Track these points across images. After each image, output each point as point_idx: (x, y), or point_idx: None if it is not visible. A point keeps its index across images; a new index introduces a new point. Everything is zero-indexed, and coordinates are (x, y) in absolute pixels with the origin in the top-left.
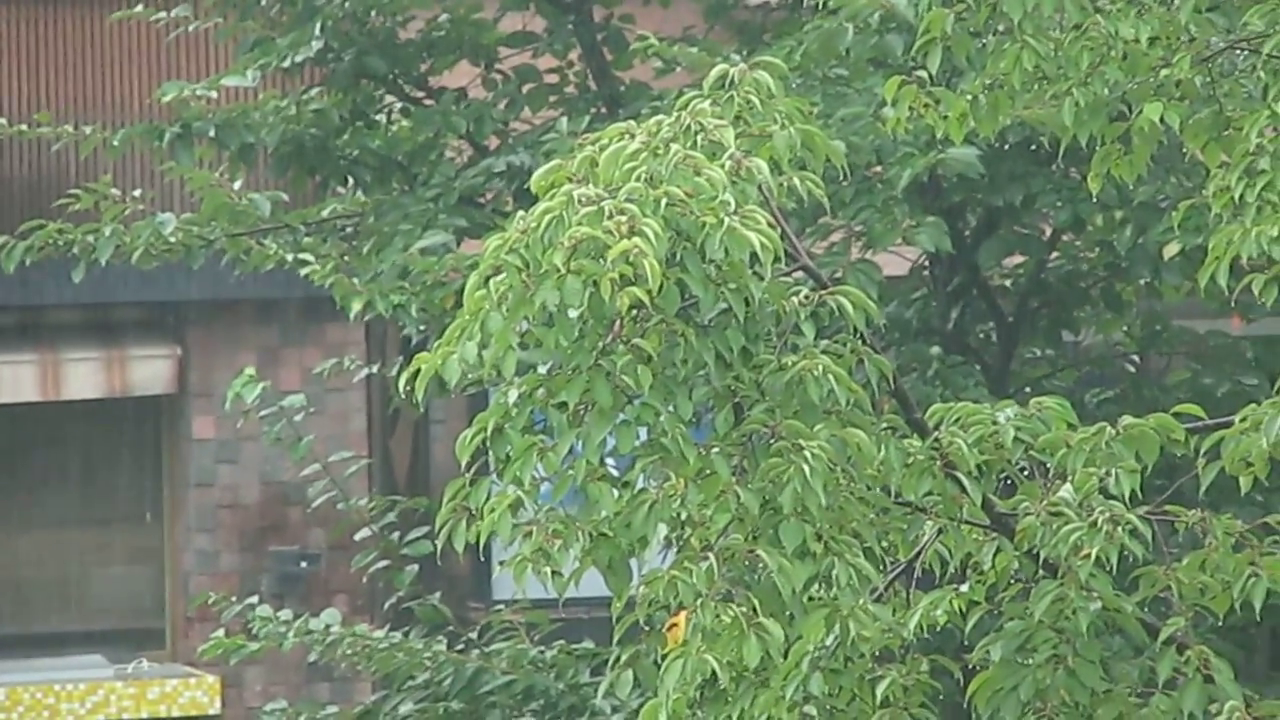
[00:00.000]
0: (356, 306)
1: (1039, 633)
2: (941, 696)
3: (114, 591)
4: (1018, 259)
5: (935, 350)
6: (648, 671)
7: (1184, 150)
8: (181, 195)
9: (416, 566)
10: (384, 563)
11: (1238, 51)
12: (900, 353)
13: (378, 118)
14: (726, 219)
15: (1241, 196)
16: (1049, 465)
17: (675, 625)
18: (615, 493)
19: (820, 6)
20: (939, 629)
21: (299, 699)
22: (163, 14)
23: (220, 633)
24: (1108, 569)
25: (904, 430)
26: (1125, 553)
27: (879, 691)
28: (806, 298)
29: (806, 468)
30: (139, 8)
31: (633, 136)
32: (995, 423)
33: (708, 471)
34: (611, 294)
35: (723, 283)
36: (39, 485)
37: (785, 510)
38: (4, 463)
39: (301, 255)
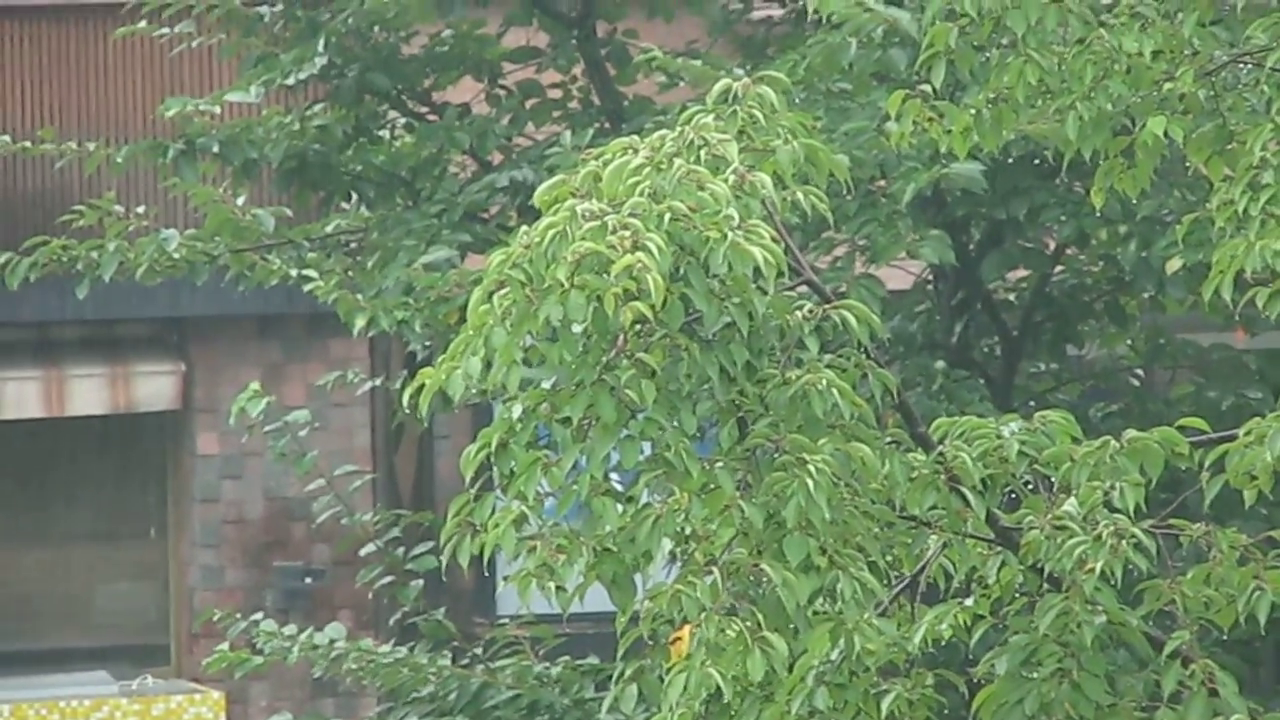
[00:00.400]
0: (360, 322)
1: (1044, 646)
2: (946, 711)
3: (119, 607)
4: (1021, 273)
5: (939, 364)
6: (652, 686)
7: (1187, 164)
8: (185, 211)
9: (421, 581)
10: (389, 578)
11: (1241, 65)
12: (904, 367)
13: (381, 133)
14: (730, 233)
15: (1245, 210)
16: (1053, 479)
17: (679, 640)
18: (619, 507)
19: (823, 21)
20: (944, 643)
21: (304, 714)
22: (166, 30)
23: (225, 647)
24: (1112, 583)
25: (908, 444)
26: (1130, 566)
27: (884, 706)
28: (810, 312)
29: (810, 482)
30: (142, 24)
31: (636, 151)
32: (999, 437)
33: (712, 486)
34: (615, 309)
35: (726, 297)
36: (44, 501)
37: (789, 524)
38: (9, 479)
39: (305, 271)
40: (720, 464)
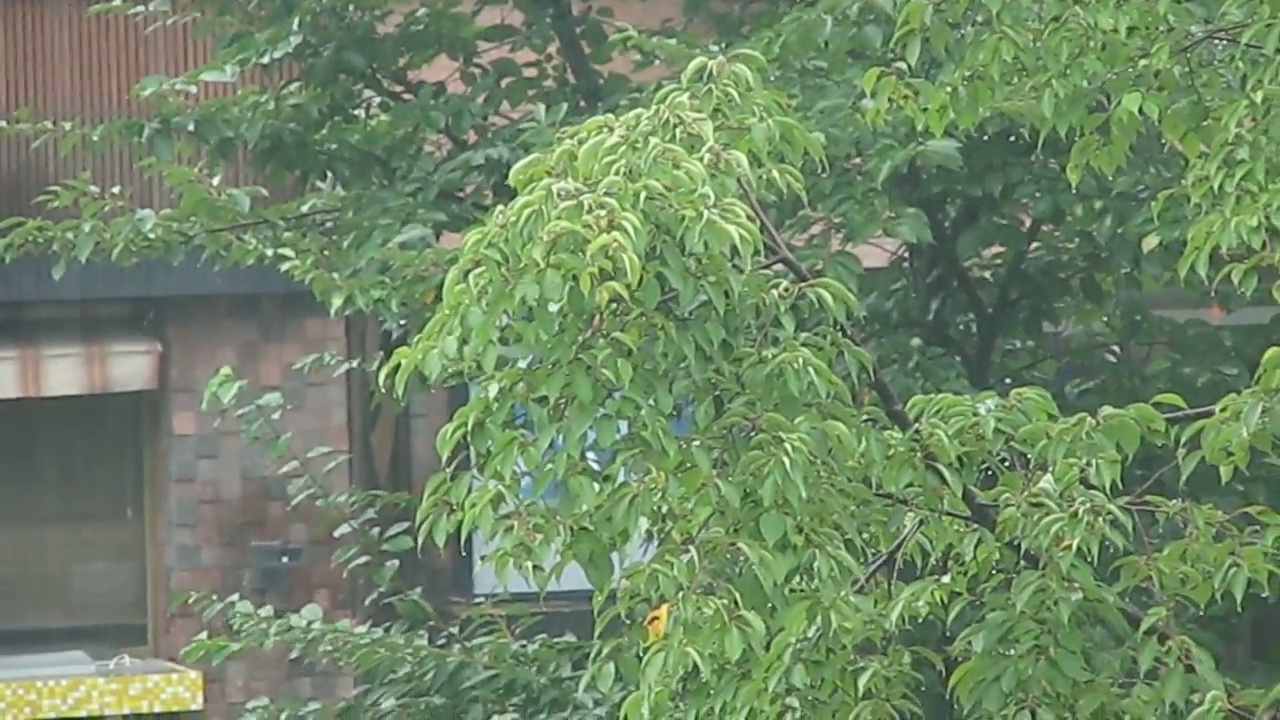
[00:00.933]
0: (337, 301)
1: (1020, 624)
2: (923, 688)
3: (95, 587)
4: (997, 250)
5: (915, 342)
6: (629, 665)
7: (1163, 141)
8: (161, 191)
9: (397, 562)
10: (365, 558)
11: (1216, 41)
12: (880, 344)
13: (356, 112)
14: (706, 212)
15: (1220, 186)
16: (1030, 456)
17: (657, 618)
18: (596, 486)
19: None
20: (921, 620)
21: (281, 695)
22: (141, 7)
23: (203, 635)
24: (1089, 559)
25: (885, 422)
26: (1106, 543)
27: (861, 683)
28: (786, 290)
29: (787, 460)
30: (116, 2)
31: (611, 130)
32: (976, 414)
33: (688, 465)
34: (591, 288)
35: (702, 276)
36: (19, 481)
37: (766, 503)
38: None
39: (281, 250)
40: (697, 443)
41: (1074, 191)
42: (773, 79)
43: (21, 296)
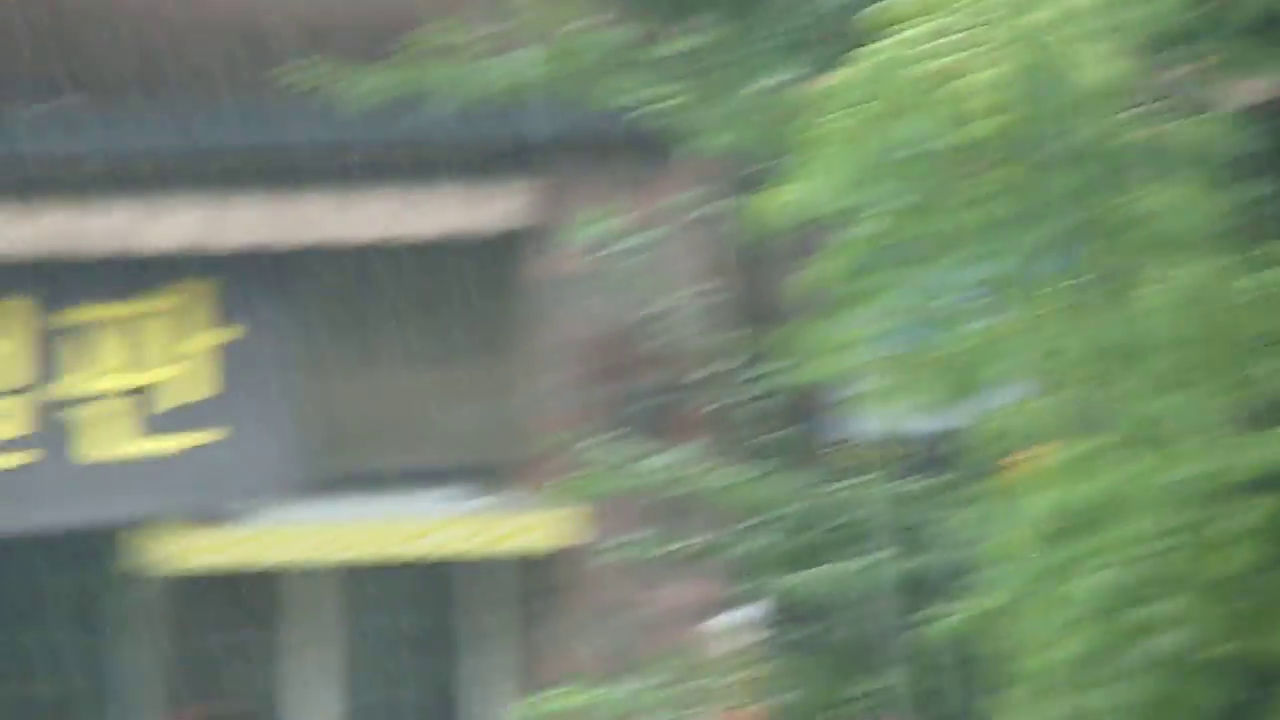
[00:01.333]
0: (707, 142)
1: None
2: None
3: (465, 428)
4: None
5: None
6: (1002, 504)
7: None
8: (532, 33)
9: (772, 401)
10: (737, 398)
11: None
12: (1256, 184)
13: None
14: (1080, 51)
15: None
16: None
17: (1030, 459)
18: (967, 327)
19: None
20: None
21: (652, 531)
22: None
23: (572, 475)
24: None
25: (1261, 262)
26: None
27: (1238, 525)
28: (1158, 131)
29: (1161, 302)
30: None
31: None
32: None
33: (1062, 305)
34: (966, 128)
35: (1075, 116)
36: (389, 322)
37: (1141, 344)
38: (359, 300)
39: (652, 91)
40: (1071, 284)
41: None
42: None
43: (395, 137)
